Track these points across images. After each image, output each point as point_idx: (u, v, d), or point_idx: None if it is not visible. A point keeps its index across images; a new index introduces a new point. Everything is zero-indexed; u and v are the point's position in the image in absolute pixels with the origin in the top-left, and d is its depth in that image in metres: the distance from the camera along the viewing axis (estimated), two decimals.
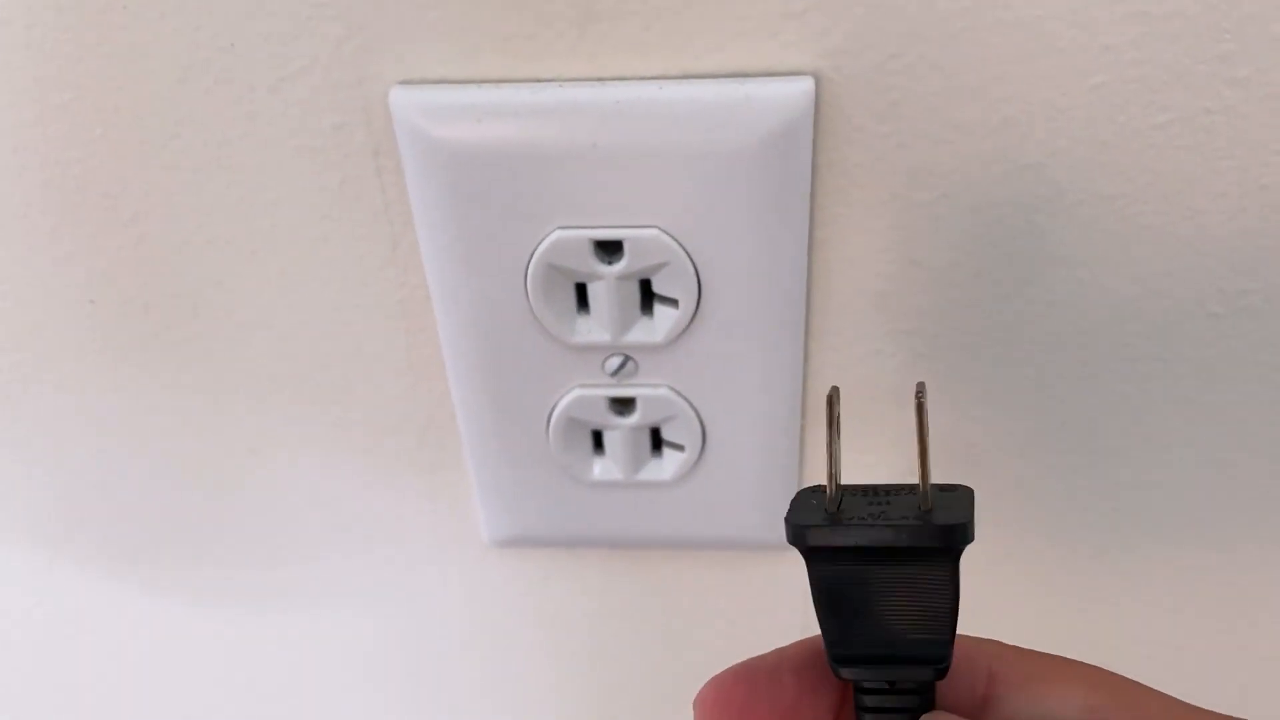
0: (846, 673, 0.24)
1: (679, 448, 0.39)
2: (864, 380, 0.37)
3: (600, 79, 0.32)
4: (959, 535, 0.23)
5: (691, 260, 0.34)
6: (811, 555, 0.24)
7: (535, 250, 0.34)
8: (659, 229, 0.33)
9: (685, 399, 0.37)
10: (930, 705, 0.24)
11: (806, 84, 0.31)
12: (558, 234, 0.34)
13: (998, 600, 0.44)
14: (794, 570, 0.43)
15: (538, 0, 0.31)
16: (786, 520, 0.24)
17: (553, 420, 0.38)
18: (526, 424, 0.39)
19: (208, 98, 0.34)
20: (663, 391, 0.37)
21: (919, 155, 0.32)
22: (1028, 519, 0.41)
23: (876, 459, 0.39)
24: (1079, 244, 0.34)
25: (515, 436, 0.39)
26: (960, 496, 0.24)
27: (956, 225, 0.34)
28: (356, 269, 0.37)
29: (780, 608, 0.45)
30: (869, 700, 0.25)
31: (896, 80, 0.31)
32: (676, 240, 0.33)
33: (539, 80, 0.32)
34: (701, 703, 0.23)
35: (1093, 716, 0.21)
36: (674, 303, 0.35)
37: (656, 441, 0.39)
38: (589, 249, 0.34)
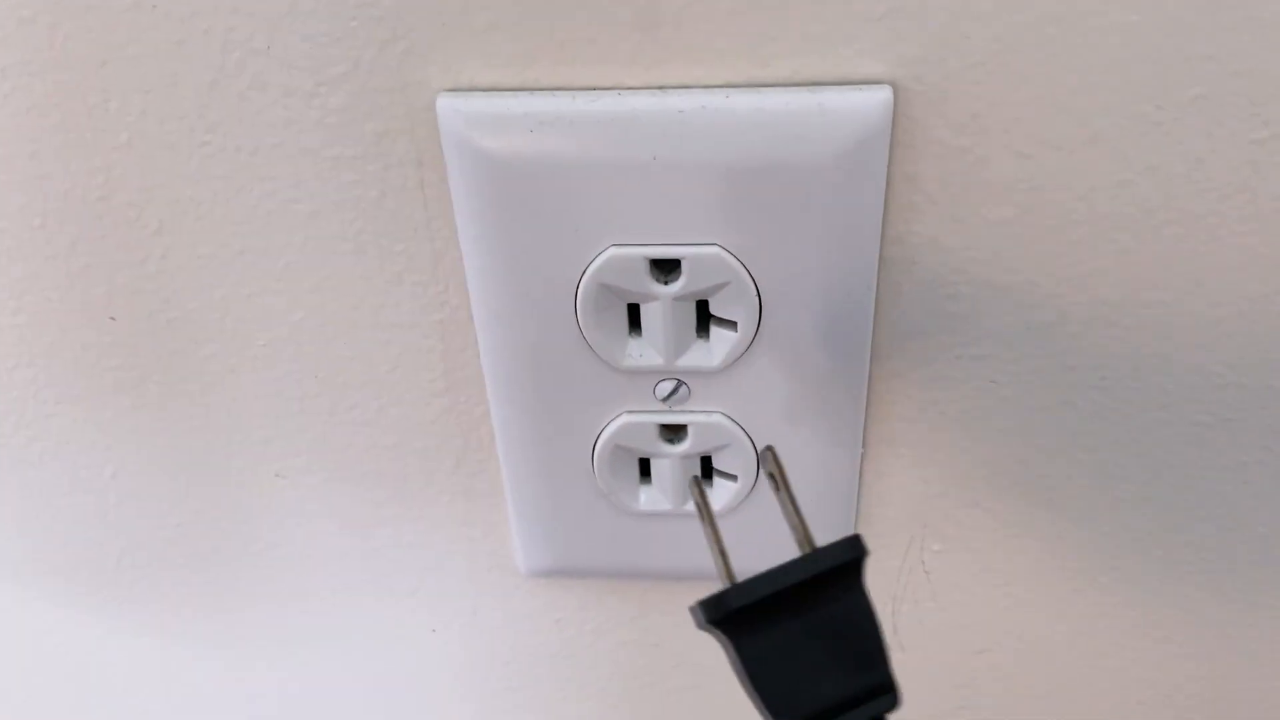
0: None
1: (731, 477, 0.37)
2: (930, 406, 0.35)
3: (662, 87, 0.30)
4: (851, 545, 0.25)
5: (754, 281, 0.32)
6: (732, 626, 0.24)
7: (587, 268, 0.32)
8: (720, 247, 0.31)
9: (740, 426, 0.35)
10: None
11: (884, 94, 0.29)
12: (612, 251, 0.32)
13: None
14: None
15: (597, 3, 0.29)
16: (692, 608, 0.25)
17: (598, 447, 0.36)
18: (570, 450, 0.37)
19: (240, 103, 0.32)
20: (716, 418, 0.35)
21: (1000, 170, 0.30)
22: (1098, 550, 0.39)
23: (941, 489, 0.37)
24: (1165, 266, 0.32)
25: (557, 463, 0.37)
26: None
27: (1036, 245, 0.32)
28: (394, 286, 0.34)
29: None
30: None
31: (980, 90, 0.29)
32: (739, 259, 0.31)
33: (596, 89, 0.30)
34: None
35: None
36: (732, 325, 0.33)
37: (706, 469, 0.37)
38: (644, 268, 0.32)
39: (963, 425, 0.36)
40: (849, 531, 0.38)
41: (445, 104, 0.30)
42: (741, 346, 0.33)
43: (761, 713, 0.25)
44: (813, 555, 0.25)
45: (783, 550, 0.38)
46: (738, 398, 0.35)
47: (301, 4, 0.30)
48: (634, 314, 0.33)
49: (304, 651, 0.46)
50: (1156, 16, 0.28)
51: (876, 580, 0.40)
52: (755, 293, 0.32)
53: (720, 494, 0.37)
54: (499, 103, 0.30)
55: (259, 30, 0.30)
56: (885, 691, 0.24)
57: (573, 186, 0.31)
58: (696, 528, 0.38)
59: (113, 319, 0.37)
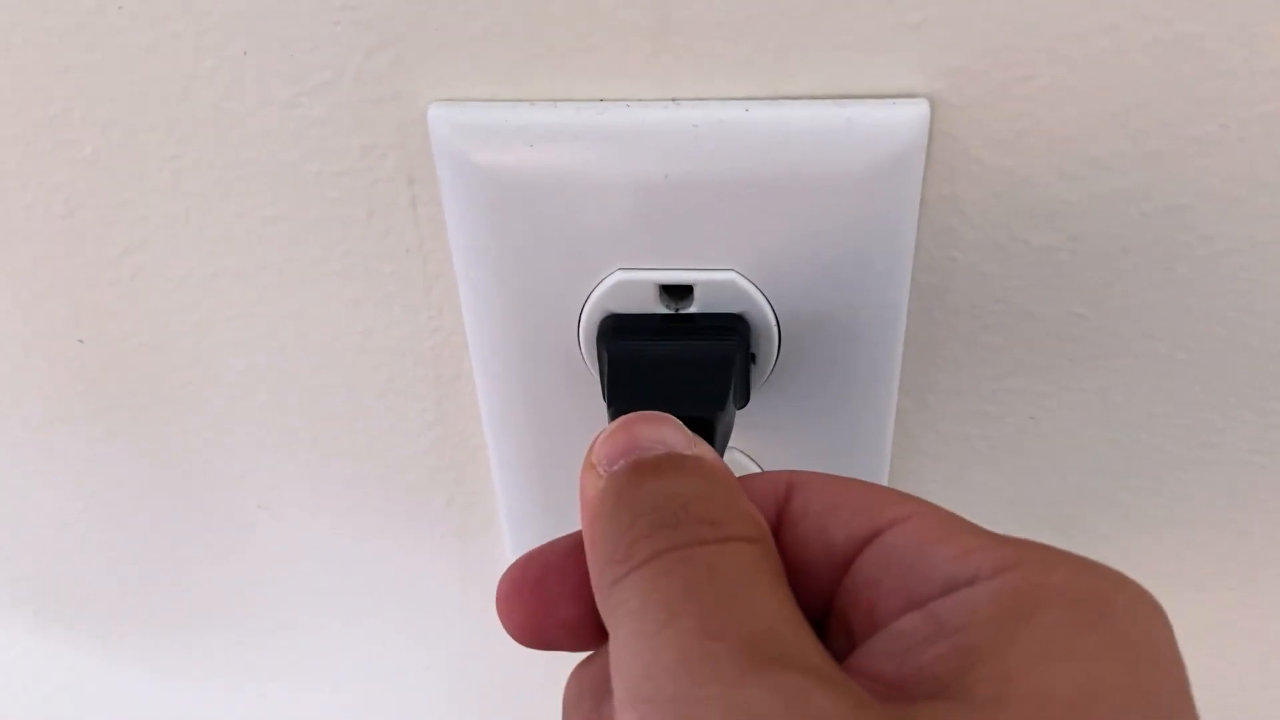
0: None
1: None
2: (960, 442, 0.33)
3: (675, 99, 0.27)
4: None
5: (773, 310, 0.29)
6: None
7: (591, 293, 0.29)
8: (737, 273, 0.29)
9: (756, 464, 0.33)
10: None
11: (920, 108, 0.27)
12: (618, 275, 0.29)
13: None
14: None
15: (605, 7, 0.26)
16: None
17: None
18: (573, 487, 0.34)
19: (215, 113, 0.29)
20: (734, 456, 0.32)
21: (1046, 193, 0.28)
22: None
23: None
24: (1223, 296, 0.29)
25: (560, 500, 0.34)
26: None
27: (1083, 274, 0.29)
28: (383, 310, 0.32)
29: None
30: None
31: (1025, 106, 0.27)
32: (757, 286, 0.29)
33: (602, 100, 0.27)
34: (498, 588, 0.22)
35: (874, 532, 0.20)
36: (750, 358, 0.30)
37: None
38: (654, 294, 0.29)
39: (993, 462, 0.33)
40: None
41: (437, 115, 0.28)
42: (759, 379, 0.30)
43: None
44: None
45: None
46: (755, 435, 0.32)
47: (280, 7, 0.27)
48: None
49: (289, 686, 0.44)
50: (1222, 27, 0.25)
51: None
52: (775, 323, 0.29)
53: None
54: (496, 115, 0.28)
55: (234, 35, 0.28)
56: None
57: (576, 205, 0.28)
58: None
59: (81, 342, 0.34)
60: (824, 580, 0.21)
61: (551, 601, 0.22)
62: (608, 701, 0.20)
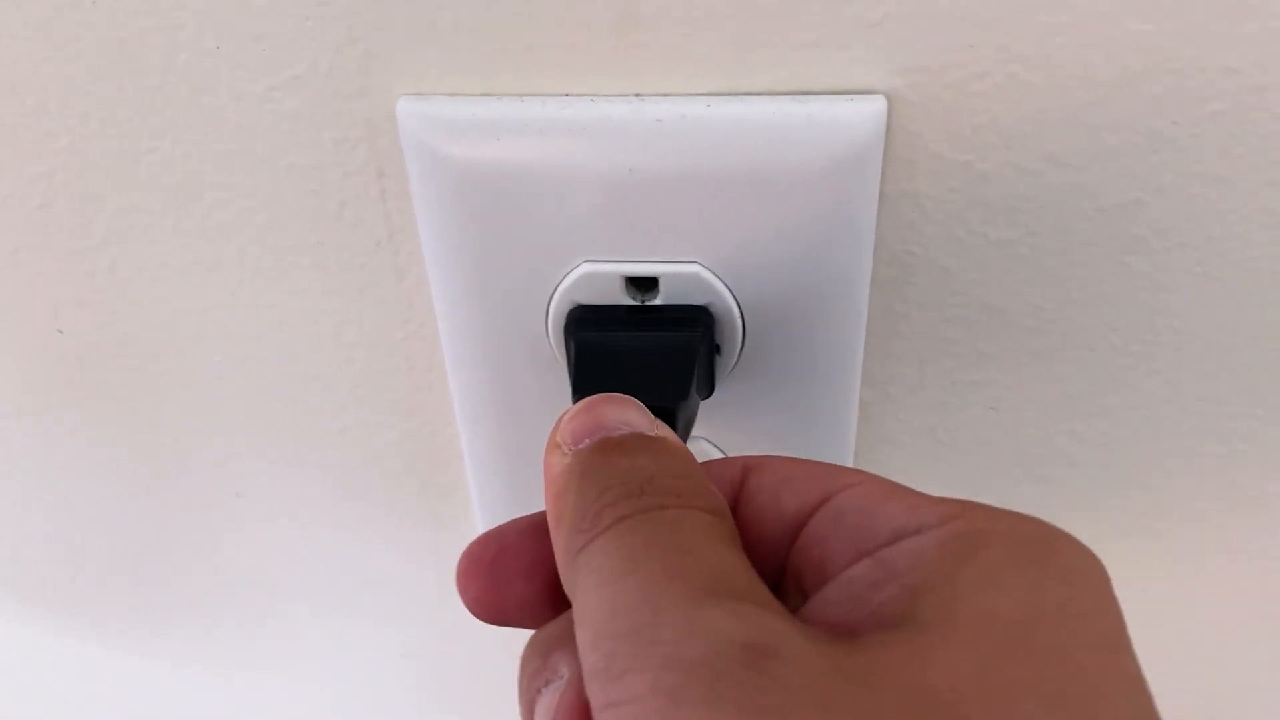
0: None
1: None
2: (924, 434, 0.33)
3: (639, 95, 0.28)
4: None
5: (737, 301, 0.30)
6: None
7: (559, 285, 0.30)
8: (701, 265, 0.29)
9: (722, 452, 0.33)
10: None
11: (878, 104, 0.27)
12: (585, 268, 0.29)
13: None
14: None
15: (569, 3, 0.27)
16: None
17: None
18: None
19: (189, 107, 0.29)
20: (700, 445, 0.33)
21: (1003, 188, 0.28)
22: None
23: None
24: (1177, 290, 0.30)
25: (531, 488, 0.35)
26: None
27: (1041, 268, 0.30)
28: (355, 302, 0.32)
29: None
30: None
31: (982, 102, 0.27)
32: (720, 278, 0.29)
33: (568, 95, 0.28)
34: (458, 564, 0.22)
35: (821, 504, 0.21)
36: (715, 349, 0.31)
37: None
38: (620, 285, 0.30)
39: (957, 452, 0.34)
40: None
41: (406, 108, 0.28)
42: (724, 369, 0.31)
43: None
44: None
45: None
46: (720, 424, 0.33)
47: (252, 3, 0.27)
48: None
49: (268, 671, 0.44)
50: (1172, 25, 0.26)
51: None
52: (738, 313, 0.30)
53: None
54: (464, 108, 0.28)
55: (206, 29, 0.28)
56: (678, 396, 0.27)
57: (543, 199, 0.29)
58: None
59: (60, 331, 0.35)
60: (780, 549, 0.21)
61: (508, 578, 0.22)
62: (555, 652, 0.20)
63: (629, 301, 0.30)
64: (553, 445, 0.22)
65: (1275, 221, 0.28)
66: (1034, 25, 0.26)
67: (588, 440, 0.22)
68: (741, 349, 0.31)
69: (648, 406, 0.25)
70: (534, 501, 0.35)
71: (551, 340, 0.31)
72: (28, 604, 0.43)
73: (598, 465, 0.21)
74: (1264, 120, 0.27)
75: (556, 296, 0.30)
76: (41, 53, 0.29)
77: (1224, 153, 0.27)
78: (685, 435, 0.28)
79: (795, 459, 0.22)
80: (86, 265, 0.33)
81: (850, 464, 0.33)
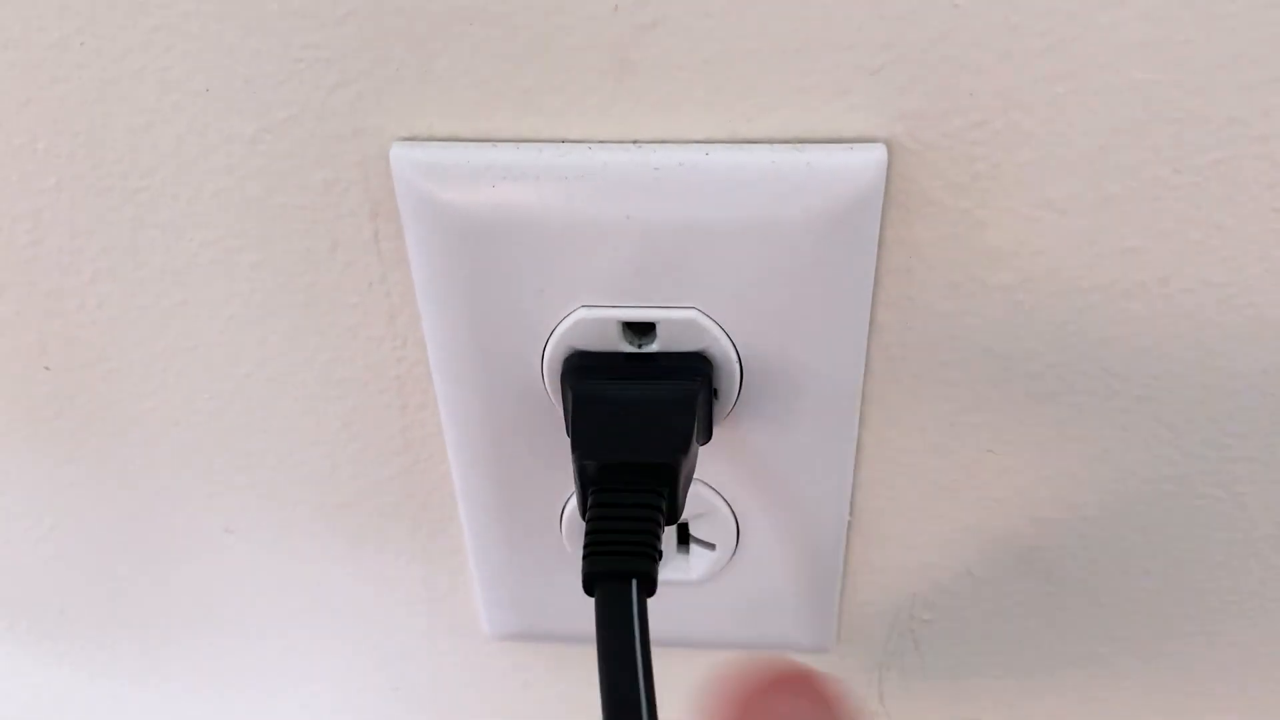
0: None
1: (709, 546, 0.34)
2: (922, 476, 0.33)
3: (636, 141, 0.27)
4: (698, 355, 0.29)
5: (735, 347, 0.29)
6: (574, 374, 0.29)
7: (555, 330, 0.30)
8: (699, 311, 0.29)
9: (720, 494, 0.33)
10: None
11: (878, 152, 0.27)
12: (581, 313, 0.29)
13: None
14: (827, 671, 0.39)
15: (566, 49, 0.26)
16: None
17: (566, 513, 0.34)
18: (537, 514, 0.34)
19: (178, 146, 0.29)
20: (697, 490, 0.32)
21: (1002, 234, 0.28)
22: (1095, 621, 0.37)
23: (931, 558, 0.35)
24: (1178, 336, 0.29)
25: (524, 527, 0.35)
26: None
27: (1040, 312, 0.29)
28: (348, 341, 0.32)
29: None
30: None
31: (982, 150, 0.27)
32: (718, 324, 0.29)
33: (564, 141, 0.28)
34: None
35: None
36: (713, 393, 0.30)
37: (684, 536, 0.35)
38: (617, 330, 0.29)
39: (955, 494, 0.34)
40: (833, 600, 0.35)
41: (399, 153, 0.28)
42: (721, 413, 0.31)
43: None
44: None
45: (762, 622, 0.36)
46: (717, 464, 0.32)
47: (242, 44, 0.27)
48: None
49: (256, 705, 0.44)
50: (1176, 75, 0.25)
51: (863, 648, 0.38)
52: (736, 359, 0.30)
53: (696, 563, 0.35)
54: (458, 153, 0.28)
55: (196, 71, 0.28)
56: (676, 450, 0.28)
57: (539, 244, 0.28)
58: (673, 595, 0.36)
59: (48, 368, 0.34)
60: None
61: None
62: None
63: (625, 346, 0.29)
64: None
65: (1272, 269, 0.28)
66: (1035, 73, 0.26)
67: None
68: (739, 393, 0.30)
69: (650, 463, 0.25)
70: (526, 541, 0.35)
71: (546, 383, 0.30)
72: (16, 630, 0.43)
73: None
74: (1266, 169, 0.26)
75: (552, 341, 0.30)
76: (26, 93, 0.28)
77: (1227, 200, 0.27)
78: (686, 485, 0.28)
79: None
80: (74, 302, 0.32)
81: (848, 506, 0.33)
